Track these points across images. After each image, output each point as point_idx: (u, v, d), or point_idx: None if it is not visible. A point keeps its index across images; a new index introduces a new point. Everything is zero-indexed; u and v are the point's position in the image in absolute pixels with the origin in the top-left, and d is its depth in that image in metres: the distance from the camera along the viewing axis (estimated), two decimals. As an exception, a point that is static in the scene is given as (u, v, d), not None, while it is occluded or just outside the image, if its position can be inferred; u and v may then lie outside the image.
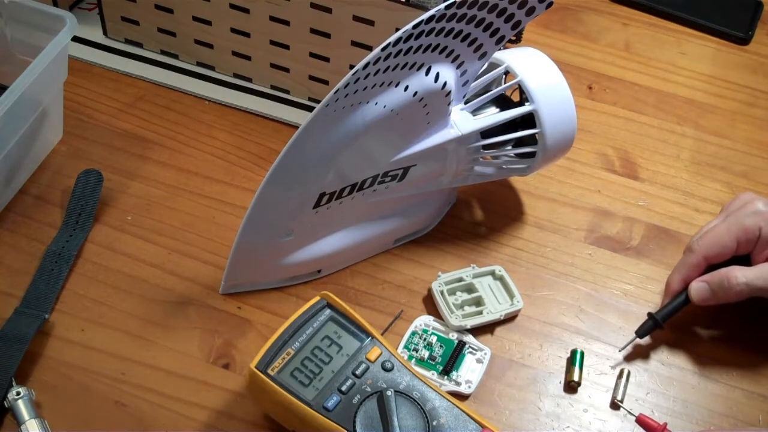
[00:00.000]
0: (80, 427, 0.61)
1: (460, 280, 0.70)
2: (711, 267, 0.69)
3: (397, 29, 0.58)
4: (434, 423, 0.58)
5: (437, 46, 0.62)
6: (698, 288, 0.67)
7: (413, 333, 0.68)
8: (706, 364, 0.69)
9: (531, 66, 0.70)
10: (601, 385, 0.67)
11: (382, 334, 0.65)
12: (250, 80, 0.86)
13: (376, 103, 0.63)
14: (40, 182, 0.76)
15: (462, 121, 0.69)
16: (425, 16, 0.57)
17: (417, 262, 0.73)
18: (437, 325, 0.68)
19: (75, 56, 0.86)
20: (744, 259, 0.68)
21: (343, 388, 0.59)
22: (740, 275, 0.66)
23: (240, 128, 0.82)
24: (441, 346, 0.67)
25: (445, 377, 0.65)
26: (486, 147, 0.71)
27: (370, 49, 0.77)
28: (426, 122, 0.66)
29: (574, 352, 0.68)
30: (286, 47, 0.81)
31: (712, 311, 0.71)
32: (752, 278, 0.65)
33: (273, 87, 0.85)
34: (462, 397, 0.65)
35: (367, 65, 0.58)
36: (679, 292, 0.69)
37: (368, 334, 0.62)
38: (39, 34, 0.72)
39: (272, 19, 0.79)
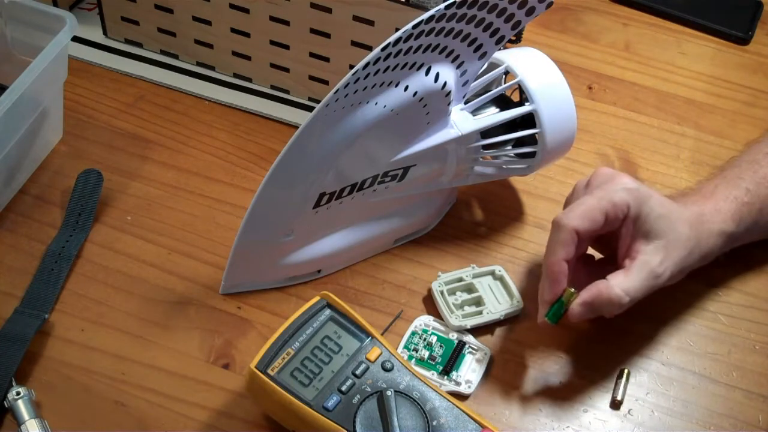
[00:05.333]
0: (80, 427, 0.61)
1: (460, 280, 0.70)
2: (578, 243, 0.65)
3: (397, 29, 0.58)
4: (434, 423, 0.58)
5: (437, 46, 0.62)
6: (579, 312, 0.63)
7: (413, 333, 0.68)
8: (706, 364, 0.69)
9: (531, 66, 0.70)
10: (601, 385, 0.67)
11: (382, 334, 0.65)
12: (250, 80, 0.86)
13: (376, 103, 0.63)
14: (40, 182, 0.76)
15: (462, 121, 0.69)
16: (425, 16, 0.57)
17: (417, 262, 0.73)
18: (437, 325, 0.68)
19: (75, 56, 0.86)
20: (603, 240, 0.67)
21: (343, 388, 0.59)
22: (621, 292, 0.62)
23: (240, 128, 0.82)
24: (441, 346, 0.67)
25: (445, 377, 0.65)
26: (486, 147, 0.71)
27: (370, 49, 0.77)
28: (426, 122, 0.66)
29: (574, 352, 0.68)
30: (286, 47, 0.81)
31: (711, 311, 0.71)
32: (633, 291, 0.63)
33: (273, 87, 0.85)
34: (462, 397, 0.65)
35: (367, 65, 0.58)
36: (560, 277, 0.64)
37: (368, 334, 0.62)
38: (39, 34, 0.72)
39: (272, 19, 0.79)
